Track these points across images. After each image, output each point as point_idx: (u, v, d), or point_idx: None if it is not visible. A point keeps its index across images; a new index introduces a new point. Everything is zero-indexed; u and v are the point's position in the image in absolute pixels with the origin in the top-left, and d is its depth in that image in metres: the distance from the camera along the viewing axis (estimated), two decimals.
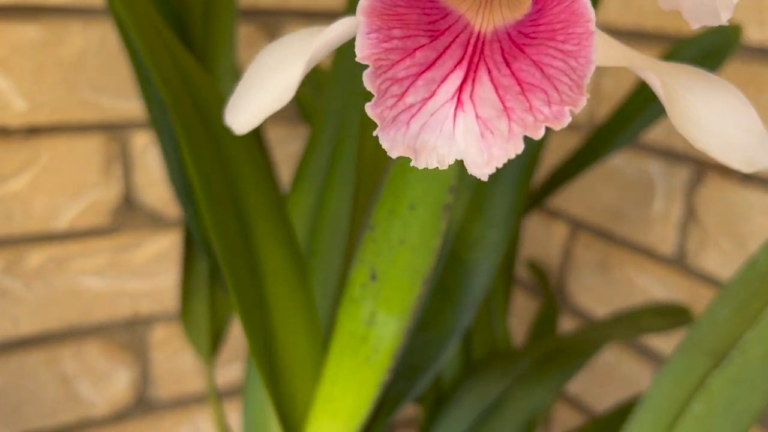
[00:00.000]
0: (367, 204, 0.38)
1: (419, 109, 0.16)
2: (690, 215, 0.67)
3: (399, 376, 0.40)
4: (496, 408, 0.45)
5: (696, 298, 0.67)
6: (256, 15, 0.69)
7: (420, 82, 0.16)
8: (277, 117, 0.72)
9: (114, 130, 0.66)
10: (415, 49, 0.15)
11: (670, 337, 0.70)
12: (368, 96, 0.44)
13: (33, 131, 0.62)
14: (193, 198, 0.47)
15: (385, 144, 0.17)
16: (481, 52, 0.15)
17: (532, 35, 0.15)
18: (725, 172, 0.63)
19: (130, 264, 0.70)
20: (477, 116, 0.15)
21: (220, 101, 0.34)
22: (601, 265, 0.77)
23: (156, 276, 0.71)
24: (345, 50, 0.45)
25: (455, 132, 0.15)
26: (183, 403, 0.77)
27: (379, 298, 0.30)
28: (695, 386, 0.37)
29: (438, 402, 0.48)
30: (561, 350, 0.47)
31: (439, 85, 0.15)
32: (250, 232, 0.34)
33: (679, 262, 0.68)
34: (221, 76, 0.47)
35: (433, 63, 0.15)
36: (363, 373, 0.32)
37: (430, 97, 0.16)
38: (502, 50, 0.15)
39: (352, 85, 0.44)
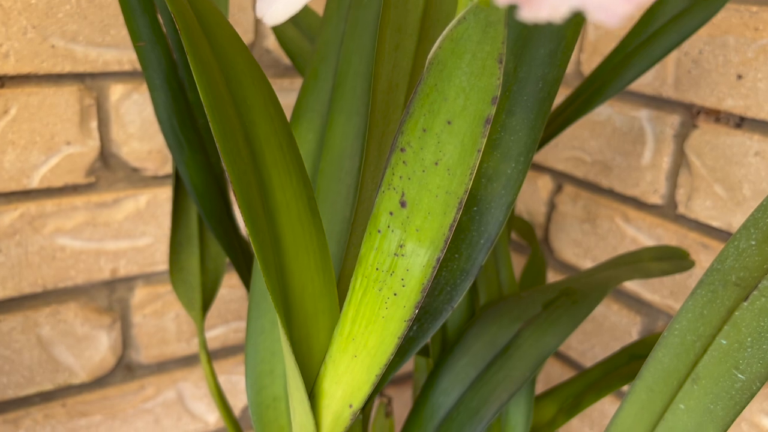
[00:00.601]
0: (377, 142, 0.36)
1: None
2: (681, 163, 0.66)
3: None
4: (506, 353, 0.44)
5: (687, 246, 0.66)
6: None
7: None
8: None
9: (88, 80, 0.62)
10: None
11: (654, 287, 0.69)
12: (376, 28, 0.42)
13: (0, 81, 0.59)
14: (184, 141, 0.44)
15: None
16: None
17: None
18: (719, 116, 0.62)
19: (107, 223, 0.66)
20: None
21: (222, 20, 0.31)
22: (588, 218, 0.77)
23: (135, 235, 0.68)
24: None
25: None
26: (165, 368, 0.74)
27: (409, 226, 0.28)
28: (722, 319, 0.36)
29: (444, 350, 0.47)
30: (570, 293, 0.46)
31: None
32: (261, 162, 0.32)
33: (670, 212, 0.68)
34: None
35: None
36: (389, 310, 0.30)
37: None
38: None
39: (356, 17, 0.41)
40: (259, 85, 0.32)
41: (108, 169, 0.65)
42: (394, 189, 0.28)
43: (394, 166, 0.28)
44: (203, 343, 0.54)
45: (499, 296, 0.49)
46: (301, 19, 0.55)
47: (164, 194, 0.68)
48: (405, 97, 0.35)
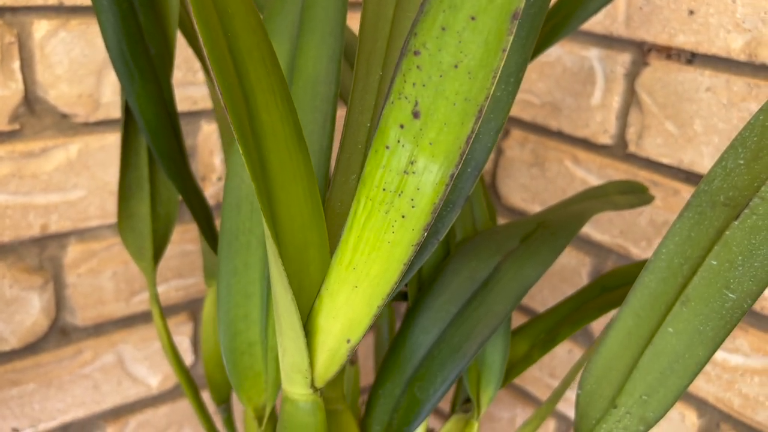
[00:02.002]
0: (365, 60, 0.33)
1: None
2: (632, 102, 0.66)
3: None
4: (486, 288, 0.43)
5: None
6: None
7: None
8: None
9: (8, 14, 0.56)
10: None
11: (603, 227, 0.70)
12: None
13: None
14: (135, 70, 0.40)
15: None
16: None
17: None
18: (670, 53, 0.63)
19: (35, 174, 0.61)
20: None
21: None
22: (536, 162, 0.76)
23: (66, 188, 0.63)
24: None
25: None
26: (103, 330, 0.70)
27: (422, 139, 0.26)
28: (711, 240, 0.36)
29: (420, 289, 0.45)
30: (547, 225, 0.45)
31: None
32: (246, 79, 0.29)
33: (620, 152, 0.68)
34: None
35: None
36: (395, 234, 0.28)
37: None
38: None
39: None
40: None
41: (33, 115, 0.60)
42: (406, 98, 0.25)
43: (405, 72, 0.25)
44: (155, 296, 0.51)
45: (474, 232, 0.47)
46: None
47: (97, 143, 0.63)
48: (394, 8, 0.32)
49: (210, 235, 0.49)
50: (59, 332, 0.67)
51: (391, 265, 0.29)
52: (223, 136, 0.55)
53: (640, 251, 0.68)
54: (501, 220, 0.82)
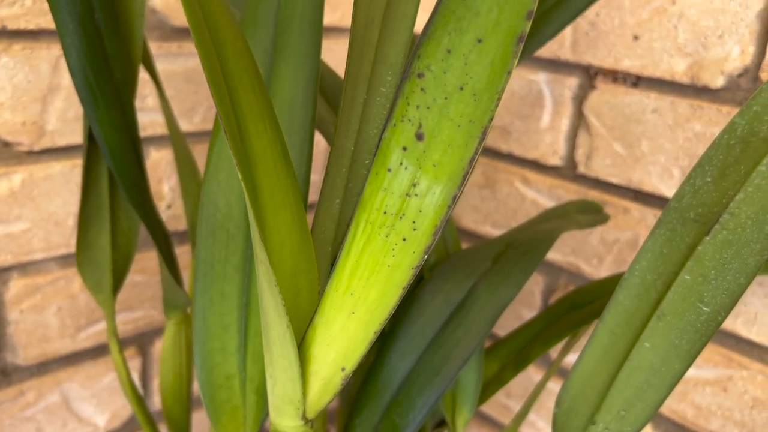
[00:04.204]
0: (352, 83, 0.33)
1: None
2: (580, 124, 0.68)
3: None
4: (463, 310, 0.43)
5: None
6: None
7: None
8: (152, 33, 0.63)
9: None
10: None
11: (555, 246, 0.71)
12: None
13: None
14: (99, 96, 0.39)
15: None
16: None
17: None
18: (616, 77, 0.65)
19: None
20: None
21: None
22: (486, 183, 0.77)
23: (9, 220, 0.60)
24: None
25: None
26: (47, 369, 0.66)
27: (425, 161, 0.26)
28: (683, 256, 0.37)
29: (396, 313, 0.45)
30: (516, 246, 0.46)
31: None
32: (237, 106, 0.28)
33: (569, 172, 0.70)
34: None
35: None
36: (396, 258, 0.28)
37: None
38: None
39: None
40: (228, 18, 0.28)
41: None
42: (409, 121, 0.25)
43: (408, 95, 0.25)
44: (113, 330, 0.49)
45: (446, 254, 0.47)
46: None
47: (41, 172, 0.60)
48: (379, 33, 0.32)
49: (171, 264, 0.48)
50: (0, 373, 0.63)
51: (390, 290, 0.28)
52: (180, 163, 0.54)
53: (591, 269, 0.70)
54: None
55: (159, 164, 0.68)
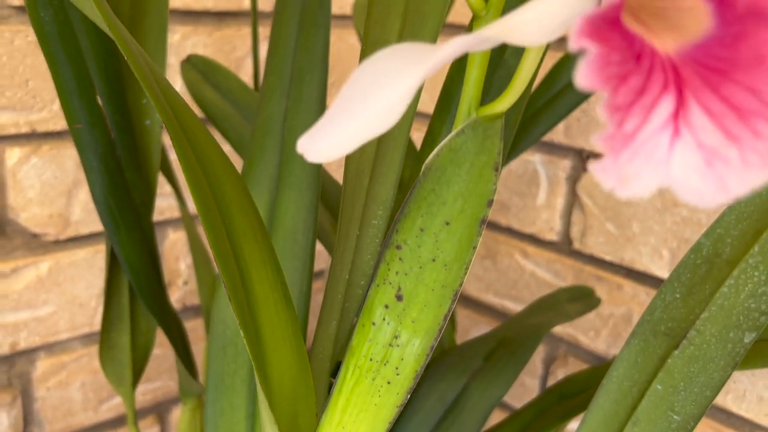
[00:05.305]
0: (347, 223, 0.37)
1: (632, 138, 0.15)
2: (574, 203, 0.72)
3: None
4: (456, 408, 0.46)
5: (584, 280, 0.72)
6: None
7: (635, 109, 0.15)
8: None
9: None
10: (628, 74, 0.15)
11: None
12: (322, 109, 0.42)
13: None
14: (121, 221, 0.43)
15: (597, 175, 0.16)
16: (679, 76, 0.15)
17: (733, 60, 0.15)
18: None
19: (5, 294, 0.62)
20: (698, 144, 0.15)
21: (199, 124, 0.31)
22: (488, 254, 0.81)
23: (37, 305, 0.64)
24: (282, 59, 0.43)
25: (671, 160, 0.15)
26: None
27: (405, 318, 0.29)
28: (655, 367, 0.40)
29: None
30: (506, 343, 0.49)
31: (650, 112, 0.15)
32: (240, 257, 0.32)
33: (565, 248, 0.73)
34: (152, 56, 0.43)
35: (643, 88, 0.15)
36: (381, 398, 0.31)
37: (642, 124, 0.15)
38: (699, 75, 0.15)
39: (299, 93, 0.42)
40: (234, 179, 0.32)
41: (4, 236, 0.61)
42: (390, 284, 0.29)
43: (389, 262, 0.29)
44: (133, 419, 0.52)
45: (441, 350, 0.50)
46: (220, 81, 0.55)
47: (67, 259, 0.65)
48: (369, 178, 0.36)
49: (187, 360, 0.51)
50: None
51: (377, 425, 0.32)
52: (193, 248, 0.57)
53: (589, 341, 0.73)
54: (458, 308, 0.85)
55: (176, 244, 0.72)
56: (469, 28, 0.26)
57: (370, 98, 0.19)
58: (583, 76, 0.15)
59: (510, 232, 0.78)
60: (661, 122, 0.15)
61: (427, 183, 0.27)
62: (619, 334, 0.70)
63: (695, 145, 0.15)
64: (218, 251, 0.30)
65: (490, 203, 0.27)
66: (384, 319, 0.30)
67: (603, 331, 0.72)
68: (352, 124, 0.19)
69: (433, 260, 0.28)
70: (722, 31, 0.15)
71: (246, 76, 0.71)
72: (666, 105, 0.15)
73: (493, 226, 0.79)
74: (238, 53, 0.71)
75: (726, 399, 0.64)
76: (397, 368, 0.30)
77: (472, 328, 0.85)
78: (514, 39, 0.18)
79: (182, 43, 0.66)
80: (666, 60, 0.16)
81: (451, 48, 0.18)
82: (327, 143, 0.20)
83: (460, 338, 0.84)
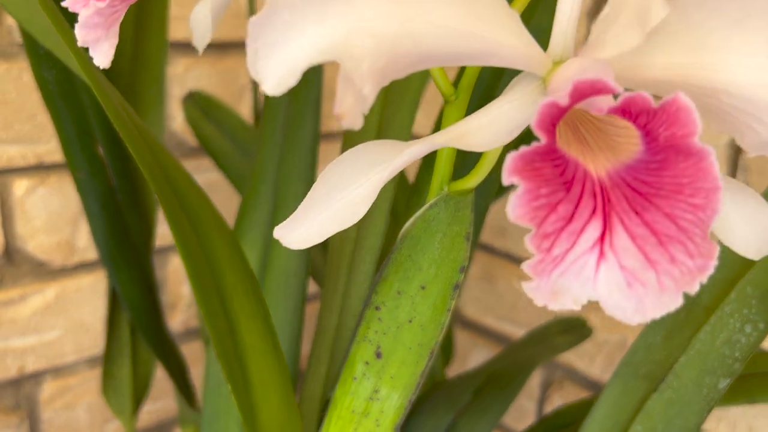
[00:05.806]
0: (335, 272, 0.38)
1: (561, 260, 0.17)
2: None
3: None
4: None
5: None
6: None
7: (563, 235, 0.17)
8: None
9: None
10: (557, 203, 0.16)
11: None
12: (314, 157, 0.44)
13: None
14: (121, 262, 0.44)
15: (530, 293, 0.18)
16: (608, 200, 0.17)
17: (657, 185, 0.16)
18: None
19: (13, 320, 0.64)
20: (621, 266, 0.16)
21: (191, 182, 0.33)
22: (486, 277, 0.82)
23: (44, 329, 0.66)
24: (276, 107, 0.45)
25: (597, 279, 0.16)
26: None
27: (384, 374, 0.31)
28: (635, 408, 0.41)
29: None
30: (496, 379, 0.50)
31: (578, 236, 0.16)
32: (231, 311, 0.33)
33: None
34: (150, 109, 0.45)
35: (572, 215, 0.16)
36: None
37: (571, 248, 0.17)
38: (626, 198, 0.16)
39: (293, 139, 0.44)
40: (225, 236, 0.33)
41: (12, 264, 0.63)
42: (370, 342, 0.30)
43: (369, 321, 0.30)
44: None
45: (432, 385, 0.52)
46: (220, 118, 0.57)
47: (74, 285, 0.67)
48: (357, 231, 0.37)
49: (185, 391, 0.53)
50: None
51: None
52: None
53: (584, 366, 0.74)
54: (457, 330, 0.87)
55: (179, 269, 0.74)
56: (440, 114, 0.27)
57: (337, 195, 0.20)
58: (513, 210, 0.16)
59: (508, 256, 0.79)
60: (588, 246, 0.16)
61: (404, 249, 0.29)
62: (614, 360, 0.71)
63: (618, 267, 0.16)
64: (207, 311, 0.32)
65: (462, 269, 0.28)
66: (365, 375, 0.31)
67: (598, 357, 0.73)
68: (320, 218, 0.21)
69: (410, 321, 0.29)
70: (649, 156, 0.17)
71: (248, 106, 0.73)
72: (593, 229, 0.17)
73: (492, 251, 0.80)
74: (242, 81, 0.73)
75: (718, 427, 0.65)
76: (377, 420, 0.32)
77: (472, 349, 0.86)
78: (466, 146, 0.19)
79: (185, 74, 0.68)
80: (597, 183, 0.17)
81: (408, 155, 0.19)
82: (298, 234, 0.21)
83: (459, 361, 0.85)
